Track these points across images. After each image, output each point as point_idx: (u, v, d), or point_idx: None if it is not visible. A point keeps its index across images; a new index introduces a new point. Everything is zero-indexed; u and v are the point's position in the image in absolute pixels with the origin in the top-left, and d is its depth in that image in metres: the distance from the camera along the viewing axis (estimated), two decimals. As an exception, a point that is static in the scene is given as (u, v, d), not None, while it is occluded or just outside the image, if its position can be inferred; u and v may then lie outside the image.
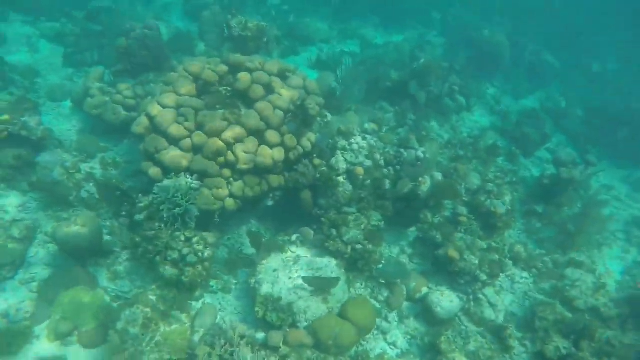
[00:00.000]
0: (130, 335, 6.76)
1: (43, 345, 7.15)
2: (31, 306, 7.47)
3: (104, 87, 9.87)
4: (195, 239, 7.61)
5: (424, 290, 8.47)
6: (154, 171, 7.94)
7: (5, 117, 8.34)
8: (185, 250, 7.40)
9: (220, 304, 8.21)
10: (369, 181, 8.77)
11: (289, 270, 7.90)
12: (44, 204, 8.85)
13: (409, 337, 8.08)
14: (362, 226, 8.25)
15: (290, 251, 8.30)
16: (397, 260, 8.47)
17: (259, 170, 8.14)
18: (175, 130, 7.81)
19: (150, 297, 7.27)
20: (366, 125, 9.99)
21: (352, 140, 9.31)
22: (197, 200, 7.71)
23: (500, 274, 8.68)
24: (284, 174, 8.68)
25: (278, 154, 8.14)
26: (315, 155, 8.94)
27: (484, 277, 8.30)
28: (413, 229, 9.68)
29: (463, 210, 9.14)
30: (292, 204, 9.19)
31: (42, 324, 7.37)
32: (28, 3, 13.06)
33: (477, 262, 8.31)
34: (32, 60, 12.29)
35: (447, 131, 12.23)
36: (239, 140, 7.90)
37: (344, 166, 8.82)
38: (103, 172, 9.22)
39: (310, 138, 8.76)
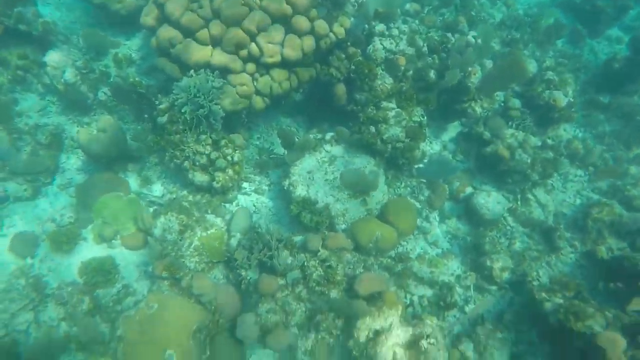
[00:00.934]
0: (169, 241, 6.63)
1: (91, 246, 7.19)
2: (73, 211, 7.38)
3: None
4: (223, 142, 6.99)
5: (468, 189, 7.85)
6: (171, 68, 7.04)
7: None
8: (214, 155, 6.84)
9: (254, 205, 7.93)
10: (411, 72, 7.62)
11: (324, 171, 7.33)
12: (62, 108, 8.31)
13: (450, 237, 7.71)
14: (403, 123, 7.37)
15: (325, 150, 7.65)
16: (440, 158, 7.73)
17: (287, 63, 7.10)
18: (188, 20, 6.68)
19: (184, 203, 6.98)
20: (407, 6, 8.43)
21: (392, 25, 7.92)
22: (221, 99, 6.91)
23: (554, 173, 7.87)
24: (315, 65, 7.61)
25: (308, 43, 6.99)
26: (349, 44, 7.72)
27: (535, 176, 7.53)
28: (455, 123, 8.74)
29: (515, 102, 8.00)
30: (324, 98, 8.27)
31: (86, 228, 7.34)
32: None
33: (529, 160, 7.47)
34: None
35: (499, 9, 10.35)
36: (262, 29, 6.74)
37: (383, 55, 7.61)
38: (117, 71, 8.37)
39: (343, 23, 7.45)
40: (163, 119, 7.15)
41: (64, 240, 6.86)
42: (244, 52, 6.82)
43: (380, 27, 7.82)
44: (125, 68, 8.43)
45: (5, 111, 7.71)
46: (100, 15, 9.10)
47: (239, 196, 8.02)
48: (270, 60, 6.80)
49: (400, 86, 7.52)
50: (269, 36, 6.72)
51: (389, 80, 7.47)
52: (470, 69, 7.46)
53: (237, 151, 7.07)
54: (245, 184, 8.11)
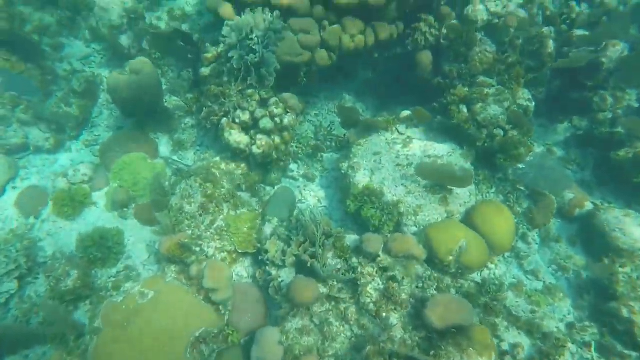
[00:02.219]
0: (186, 213, 4.84)
1: (101, 213, 5.59)
2: (91, 169, 5.85)
3: None
4: (272, 101, 5.21)
5: (587, 205, 5.45)
6: (224, 9, 5.43)
7: None
8: (259, 113, 5.05)
9: (301, 193, 6.03)
10: (520, 40, 5.47)
11: (396, 154, 5.30)
12: (107, 59, 6.98)
13: (556, 267, 5.31)
14: (506, 104, 5.21)
15: (398, 132, 5.64)
16: (550, 163, 5.43)
17: (365, 10, 5.25)
18: (252, -56, 5.07)
19: (213, 170, 5.19)
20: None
21: (499, -14, 5.88)
22: (279, 47, 5.16)
23: None
24: (397, 24, 5.70)
25: (395, -14, 5.14)
26: (443, 2, 5.77)
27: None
28: (565, 124, 6.41)
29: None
30: (403, 71, 6.32)
31: (100, 191, 5.78)
32: None
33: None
34: None
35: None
36: (340, -41, 4.99)
37: (485, 17, 5.56)
38: (170, 24, 6.95)
39: (441, -28, 5.55)
40: (206, 71, 5.52)
41: (68, 202, 5.29)
42: (313, -10, 5.08)
43: (483, -11, 5.81)
44: (179, 22, 7.00)
45: (36, 50, 6.44)
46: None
47: (284, 180, 6.16)
48: (345, 1, 4.98)
49: (505, 57, 5.40)
50: (348, -30, 4.93)
51: (490, 49, 5.37)
52: (607, 42, 5.19)
53: (288, 114, 5.22)
54: (293, 166, 6.25)
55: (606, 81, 5.45)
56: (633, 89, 5.50)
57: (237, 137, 5.00)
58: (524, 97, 5.46)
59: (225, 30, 5.14)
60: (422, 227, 4.87)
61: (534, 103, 5.47)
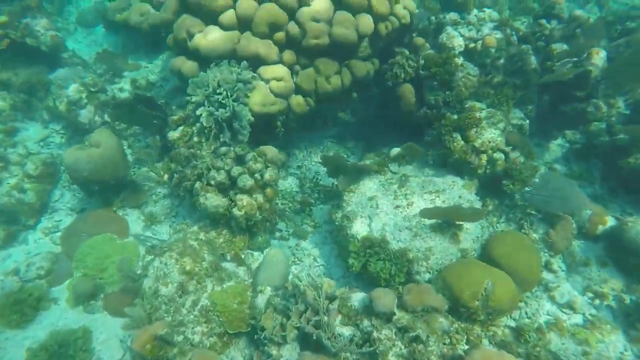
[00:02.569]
0: (162, 297, 4.11)
1: (63, 311, 4.77)
2: (49, 261, 5.11)
3: (129, -11, 7.18)
4: (250, 155, 4.73)
5: (608, 220, 4.97)
6: (187, 67, 5.12)
7: (3, 18, 5.92)
8: (236, 170, 4.54)
9: (293, 254, 5.39)
10: (502, 60, 5.29)
11: (393, 195, 4.80)
12: (68, 137, 6.50)
13: (591, 294, 4.70)
14: (501, 125, 4.88)
15: (391, 171, 5.19)
16: (558, 179, 5.01)
17: (338, 49, 5.01)
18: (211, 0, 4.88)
19: (191, 241, 4.54)
20: (481, -4, 6.43)
21: (466, 14, 5.83)
22: (250, 98, 4.79)
23: None
24: (373, 61, 5.49)
25: (364, 22, 4.94)
26: (414, 35, 5.63)
27: None
28: (559, 141, 6.13)
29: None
30: (385, 107, 6.04)
31: (62, 284, 5.01)
32: None
33: None
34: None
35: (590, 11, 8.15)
36: (304, 2, 4.80)
37: (461, 43, 5.40)
38: (134, 92, 6.62)
39: (407, 4, 5.44)
40: (175, 134, 5.07)
41: (16, 307, 4.48)
42: (280, 35, 4.82)
43: (452, 15, 5.73)
44: (143, 91, 6.68)
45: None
46: (125, 42, 7.72)
47: (273, 241, 5.53)
48: (314, 42, 4.73)
49: (490, 79, 5.17)
50: (314, 11, 4.72)
51: (473, 72, 5.15)
52: (590, 50, 5.04)
53: (269, 168, 4.73)
54: (281, 225, 5.65)
55: (595, 89, 5.24)
56: (622, 95, 5.31)
57: (214, 201, 4.43)
58: (517, 117, 5.17)
59: (190, 88, 4.78)
60: (436, 272, 4.26)
61: (527, 121, 5.17)
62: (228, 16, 4.81)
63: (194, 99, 4.67)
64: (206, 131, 4.78)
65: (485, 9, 5.97)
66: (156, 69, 7.14)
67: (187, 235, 4.61)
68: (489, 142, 4.74)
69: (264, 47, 4.76)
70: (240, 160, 4.78)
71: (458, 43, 5.34)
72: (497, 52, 5.23)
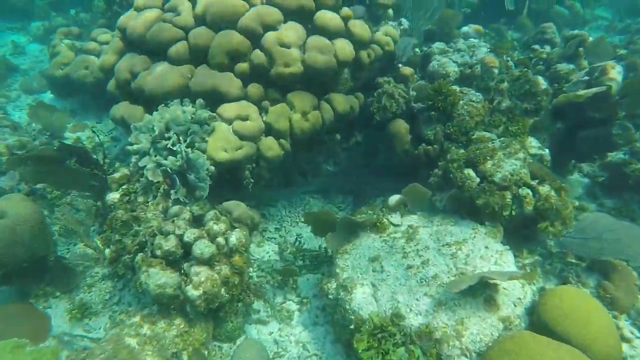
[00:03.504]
0: None
1: None
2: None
3: (74, 43, 6.46)
4: (210, 214, 3.64)
5: (674, 265, 3.95)
6: (131, 114, 4.18)
7: None
8: (190, 235, 3.40)
9: (276, 342, 4.07)
10: (505, 84, 4.57)
11: (402, 253, 3.70)
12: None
13: (682, 367, 3.53)
14: (520, 155, 4.01)
15: (392, 224, 4.15)
16: (607, 219, 4.06)
17: (314, 80, 4.21)
18: (156, 32, 4.09)
19: (128, 340, 3.23)
20: (465, 28, 5.95)
21: (452, 43, 5.26)
22: (209, 142, 3.82)
23: None
24: (357, 94, 4.70)
25: (342, 46, 4.20)
26: (400, 65, 4.95)
27: None
28: (575, 176, 5.33)
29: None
30: (374, 150, 5.18)
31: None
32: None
33: None
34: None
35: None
36: (269, 26, 4.07)
37: (455, 69, 4.72)
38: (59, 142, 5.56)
39: (389, 32, 4.81)
40: (115, 196, 3.97)
41: None
42: (243, 66, 4.00)
43: (438, 45, 5.14)
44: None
45: None
46: (74, 106, 6.85)
47: (248, 327, 4.22)
48: (285, 71, 3.91)
49: (497, 104, 4.40)
50: (282, 35, 3.96)
51: (477, 98, 4.39)
52: (604, 65, 4.40)
53: (236, 230, 3.61)
54: (257, 304, 4.38)
55: (614, 110, 4.53)
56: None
57: (158, 278, 3.21)
58: (533, 146, 4.34)
59: (132, 136, 3.79)
60: (476, 356, 3.05)
61: (547, 150, 4.35)
62: (178, 48, 4.01)
63: (135, 147, 3.66)
64: (153, 187, 3.71)
65: (472, 39, 5.44)
66: (106, 129, 6.20)
67: (124, 331, 3.30)
68: (511, 175, 3.83)
69: (223, 81, 3.91)
70: (198, 220, 3.67)
71: (452, 69, 4.66)
72: (499, 74, 4.55)
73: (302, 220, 5.36)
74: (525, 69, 4.75)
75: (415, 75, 4.93)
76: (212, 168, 3.79)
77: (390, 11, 5.30)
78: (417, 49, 5.30)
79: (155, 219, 3.51)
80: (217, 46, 3.90)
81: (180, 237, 3.37)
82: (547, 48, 5.34)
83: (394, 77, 4.80)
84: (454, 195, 4.08)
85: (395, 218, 4.25)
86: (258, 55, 3.92)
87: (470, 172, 4.01)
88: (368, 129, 5.27)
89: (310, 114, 4.11)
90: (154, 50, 4.09)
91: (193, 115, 3.76)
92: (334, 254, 4.11)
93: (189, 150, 3.68)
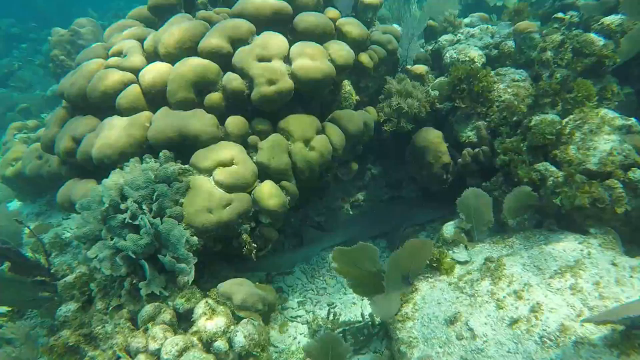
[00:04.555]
0: None
1: None
2: None
3: (29, 136, 5.62)
4: (201, 308, 2.45)
5: None
6: (80, 192, 3.14)
7: None
8: (173, 347, 2.19)
9: None
10: (548, 53, 3.55)
11: (494, 302, 2.47)
12: None
13: None
14: (606, 129, 2.92)
15: (459, 262, 2.95)
16: None
17: (310, 96, 3.23)
18: (100, 79, 3.19)
19: None
20: (467, 20, 5.12)
21: (460, 33, 4.40)
22: (185, 205, 2.74)
23: None
24: (367, 108, 3.71)
25: (337, 49, 3.28)
26: (407, 67, 4.03)
27: None
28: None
29: None
30: (398, 184, 4.10)
31: None
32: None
33: None
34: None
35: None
36: (240, 41, 3.16)
37: (479, 52, 3.78)
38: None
39: (387, 29, 3.94)
40: (67, 308, 2.80)
41: None
42: (214, 97, 3.03)
43: (446, 37, 4.27)
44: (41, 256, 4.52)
45: None
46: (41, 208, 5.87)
47: None
48: (271, 90, 2.93)
49: (548, 78, 3.38)
50: (258, 47, 3.04)
51: (520, 76, 3.39)
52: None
53: (243, 321, 2.41)
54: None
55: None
56: None
57: None
58: (610, 117, 3.26)
59: (78, 219, 2.72)
60: None
61: (634, 119, 3.27)
62: (129, 94, 3.07)
63: (79, 231, 2.58)
64: (116, 286, 2.57)
65: (480, 26, 4.59)
66: (74, 225, 5.13)
67: None
68: (612, 156, 2.72)
69: (192, 121, 2.92)
70: (185, 318, 2.48)
71: (476, 54, 3.72)
72: (540, 39, 3.58)
73: (331, 277, 4.15)
74: (570, 29, 3.79)
75: (430, 75, 3.99)
76: (195, 239, 2.68)
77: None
78: (421, 49, 4.43)
79: (120, 332, 2.33)
80: (177, 78, 2.97)
81: (156, 355, 2.17)
82: (573, 13, 4.48)
83: (407, 75, 3.85)
84: (524, 204, 2.94)
85: (459, 253, 3.06)
86: (231, 79, 2.98)
87: (547, 166, 2.91)
88: (384, 157, 4.26)
89: (315, 140, 3.09)
90: (99, 105, 3.17)
91: (158, 173, 2.72)
92: (389, 325, 2.87)
93: (157, 221, 2.59)
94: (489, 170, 3.40)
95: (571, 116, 3.12)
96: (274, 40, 3.09)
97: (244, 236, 2.99)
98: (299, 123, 3.11)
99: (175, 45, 3.08)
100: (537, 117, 3.21)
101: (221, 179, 2.87)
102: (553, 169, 2.86)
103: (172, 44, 3.12)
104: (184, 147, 2.99)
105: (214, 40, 3.03)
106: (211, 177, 2.91)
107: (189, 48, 3.14)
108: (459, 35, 4.37)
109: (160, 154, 2.88)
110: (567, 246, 2.67)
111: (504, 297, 2.44)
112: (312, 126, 3.14)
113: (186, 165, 2.93)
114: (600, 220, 2.76)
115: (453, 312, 2.53)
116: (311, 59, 3.05)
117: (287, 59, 3.11)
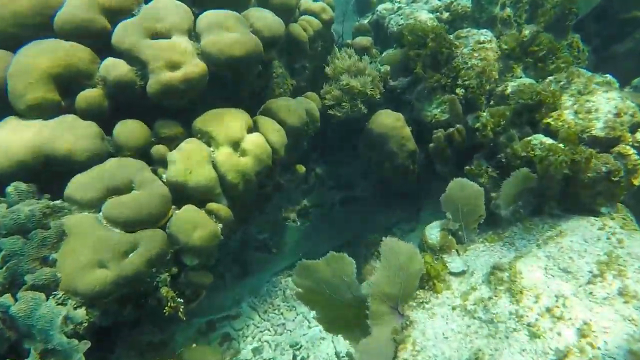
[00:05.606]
0: None
1: None
2: None
3: None
4: None
5: None
6: None
7: None
8: None
9: None
10: (508, 10, 3.06)
11: (525, 328, 1.82)
12: None
13: None
14: (603, 87, 2.47)
15: (453, 273, 2.32)
16: None
17: (229, 86, 2.38)
18: None
19: None
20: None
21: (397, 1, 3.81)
22: (59, 263, 1.77)
23: None
24: (308, 94, 2.94)
25: (262, 18, 2.47)
26: (349, 41, 3.35)
27: None
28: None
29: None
30: (349, 186, 3.43)
31: None
32: None
33: None
34: None
35: None
36: (119, 12, 2.23)
37: (430, 16, 3.18)
38: None
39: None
40: None
41: None
42: (91, 96, 2.04)
43: (384, 5, 3.65)
44: None
45: None
46: None
47: None
48: (177, 76, 2.03)
49: (519, 33, 2.88)
50: (150, 19, 2.13)
51: (487, 36, 2.85)
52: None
53: None
54: None
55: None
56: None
57: None
58: (590, 75, 2.80)
59: None
60: None
61: (609, 75, 2.85)
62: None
63: None
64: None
65: None
66: None
67: None
68: (619, 115, 2.24)
69: (57, 133, 1.93)
70: None
71: (426, 17, 3.12)
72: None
73: (288, 309, 3.34)
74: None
75: (374, 49, 3.33)
76: (81, 313, 1.71)
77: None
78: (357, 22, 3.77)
79: None
80: (23, 71, 1.96)
81: None
82: None
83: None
84: (524, 184, 2.38)
85: (452, 262, 2.42)
86: (113, 66, 2.03)
87: (541, 138, 2.37)
88: (327, 153, 3.55)
89: (246, 141, 2.25)
90: None
91: (2, 221, 1.71)
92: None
93: (6, 299, 1.60)
94: (462, 155, 2.82)
95: (551, 77, 2.63)
96: (172, 9, 2.19)
97: (164, 290, 2.07)
98: (222, 120, 2.25)
99: (13, 21, 2.04)
100: (512, 82, 2.68)
101: (115, 214, 1.92)
102: (550, 141, 2.33)
103: (7, 18, 2.07)
104: (51, 174, 1.99)
105: (80, 13, 2.05)
106: (99, 215, 1.95)
107: (39, 25, 2.11)
108: (399, 2, 3.78)
109: (9, 188, 1.85)
110: (587, 235, 2.12)
111: (537, 319, 1.81)
112: (241, 123, 2.29)
113: (57, 202, 1.94)
114: (613, 197, 2.28)
115: (470, 350, 1.86)
116: (227, 31, 2.20)
117: (193, 34, 2.23)
